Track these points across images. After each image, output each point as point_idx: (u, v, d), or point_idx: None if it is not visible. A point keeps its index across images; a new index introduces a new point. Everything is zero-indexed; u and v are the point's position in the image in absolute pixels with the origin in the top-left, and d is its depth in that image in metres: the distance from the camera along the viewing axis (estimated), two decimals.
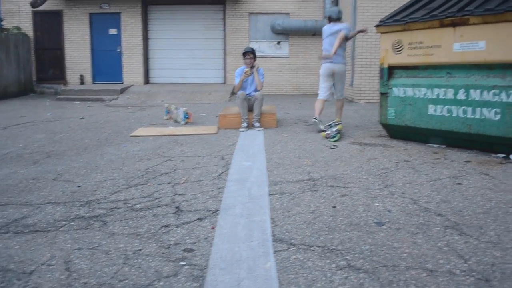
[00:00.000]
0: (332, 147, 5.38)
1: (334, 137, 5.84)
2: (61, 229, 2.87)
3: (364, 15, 10.61)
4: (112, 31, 14.46)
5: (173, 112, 7.71)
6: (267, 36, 14.29)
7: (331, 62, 6.43)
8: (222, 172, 4.22)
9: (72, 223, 2.96)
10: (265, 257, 2.40)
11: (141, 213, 3.13)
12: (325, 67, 6.54)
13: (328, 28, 6.62)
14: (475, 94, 4.77)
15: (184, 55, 14.57)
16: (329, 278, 2.17)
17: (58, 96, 12.89)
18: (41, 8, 13.86)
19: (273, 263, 2.33)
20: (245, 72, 6.78)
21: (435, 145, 5.28)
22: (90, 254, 2.49)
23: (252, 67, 6.87)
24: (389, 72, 5.59)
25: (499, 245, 2.54)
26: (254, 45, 13.95)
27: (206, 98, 12.05)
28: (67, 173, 4.27)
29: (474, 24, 4.72)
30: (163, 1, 14.27)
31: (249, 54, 6.85)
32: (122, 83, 14.35)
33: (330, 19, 6.62)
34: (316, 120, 6.46)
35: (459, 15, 4.82)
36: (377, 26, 5.72)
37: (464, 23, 4.79)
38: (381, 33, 5.67)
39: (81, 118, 8.45)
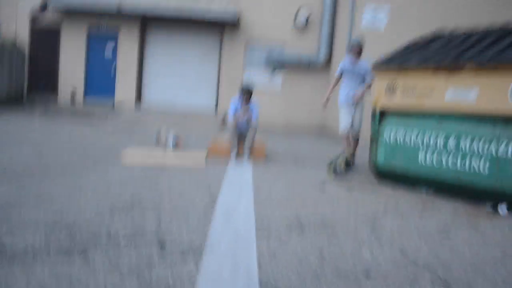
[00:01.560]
0: (321, 187, 5.35)
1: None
2: (39, 258, 2.76)
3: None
4: (109, 49, 14.52)
5: (163, 135, 7.65)
6: (262, 67, 14.45)
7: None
8: (209, 206, 4.14)
9: (51, 252, 2.86)
10: None
11: (123, 244, 3.03)
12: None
13: (348, 64, 6.73)
14: (464, 144, 4.81)
15: (178, 79, 14.65)
16: None
17: (48, 110, 12.79)
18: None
19: None
20: (241, 113, 6.83)
21: (424, 192, 5.27)
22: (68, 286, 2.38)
23: (248, 103, 6.90)
24: (381, 115, 5.63)
25: None
26: (247, 75, 14.10)
27: (197, 124, 12.04)
28: (49, 195, 4.15)
29: (466, 74, 4.79)
30: (162, 25, 14.41)
31: (247, 93, 6.87)
32: (114, 99, 14.32)
33: (353, 50, 6.67)
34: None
35: (453, 64, 4.90)
36: (373, 66, 5.80)
37: (457, 72, 4.87)
38: (377, 73, 5.74)
39: (69, 135, 8.35)
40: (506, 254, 3.36)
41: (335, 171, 6.11)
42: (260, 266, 2.82)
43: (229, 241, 3.24)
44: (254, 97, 7.11)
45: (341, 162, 6.25)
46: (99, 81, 14.44)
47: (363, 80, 6.59)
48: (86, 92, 14.44)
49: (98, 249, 2.94)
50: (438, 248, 3.41)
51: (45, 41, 14.40)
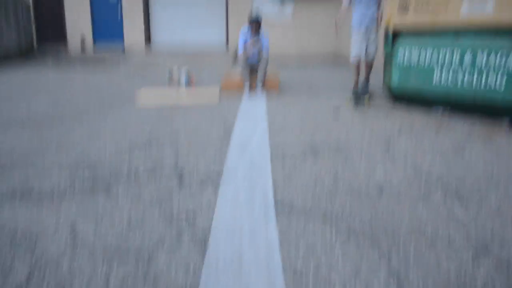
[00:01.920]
0: (335, 110, 5.35)
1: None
2: (65, 195, 2.89)
3: None
4: None
5: (176, 74, 7.64)
6: None
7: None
8: (225, 138, 4.22)
9: (76, 189, 2.99)
10: (266, 222, 2.43)
11: (145, 178, 3.15)
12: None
13: None
14: (481, 57, 4.69)
15: (186, 15, 14.34)
16: (329, 242, 2.20)
17: (60, 59, 12.78)
18: None
19: (274, 226, 2.36)
20: (250, 46, 6.67)
21: (439, 111, 5.24)
22: (95, 220, 2.52)
23: (257, 34, 6.75)
24: (394, 33, 5.48)
25: (499, 213, 2.56)
26: (257, 5, 13.70)
27: (209, 61, 11.92)
28: (70, 138, 4.27)
29: None
30: None
31: (256, 23, 6.68)
32: (123, 43, 14.19)
33: None
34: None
35: None
36: None
37: None
38: None
39: (83, 81, 8.40)
40: None
41: (356, 104, 5.91)
42: (276, 189, 2.92)
43: (245, 169, 3.33)
44: (263, 28, 6.95)
45: (366, 100, 5.99)
46: (107, 26, 14.24)
47: (376, 1, 6.12)
48: (95, 38, 14.32)
49: (120, 184, 3.06)
50: (452, 164, 3.44)
51: None
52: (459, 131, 4.41)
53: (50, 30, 14.44)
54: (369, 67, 6.36)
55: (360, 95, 6.07)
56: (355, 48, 6.23)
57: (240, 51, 6.76)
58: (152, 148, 3.89)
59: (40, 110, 5.60)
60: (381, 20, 6.16)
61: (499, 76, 4.57)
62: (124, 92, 6.98)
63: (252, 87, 6.76)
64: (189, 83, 7.37)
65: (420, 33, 5.22)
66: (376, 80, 6.65)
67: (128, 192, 2.91)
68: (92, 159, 3.58)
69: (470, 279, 1.91)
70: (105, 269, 2.01)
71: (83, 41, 14.18)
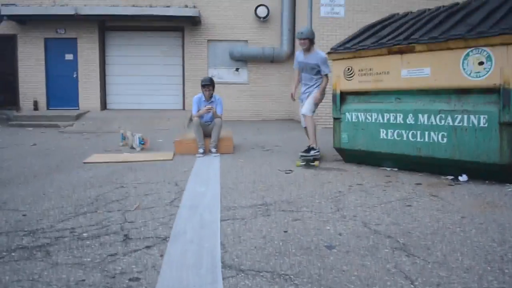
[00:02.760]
0: (287, 171, 5.41)
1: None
2: (0, 260, 2.71)
3: (320, 43, 10.91)
4: (68, 57, 14.21)
5: (129, 138, 7.58)
6: (226, 62, 14.43)
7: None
8: (175, 198, 4.15)
9: (13, 254, 2.81)
10: (212, 284, 2.35)
11: (88, 242, 3.02)
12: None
13: (301, 57, 6.16)
14: (423, 119, 4.95)
15: (142, 81, 14.49)
16: None
17: (10, 122, 12.45)
18: None
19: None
20: (205, 109, 6.79)
21: (387, 169, 5.41)
22: (29, 286, 2.36)
23: (210, 97, 6.90)
24: (342, 97, 5.73)
25: (445, 265, 2.60)
26: (212, 72, 14.06)
27: (164, 124, 11.93)
28: (12, 202, 4.08)
29: (419, 51, 4.93)
30: (121, 27, 14.18)
31: (209, 86, 6.84)
32: (78, 109, 14.04)
33: (300, 43, 6.06)
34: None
35: (406, 43, 5.04)
36: (328, 53, 5.88)
37: (411, 50, 5.00)
38: (333, 60, 5.83)
39: (32, 145, 8.17)
40: (464, 218, 3.48)
41: (306, 163, 5.79)
42: (224, 248, 2.86)
43: (195, 228, 3.26)
44: (218, 89, 7.10)
45: (315, 161, 5.85)
46: (62, 91, 14.12)
47: (318, 72, 6.03)
48: (49, 104, 14.12)
49: (61, 247, 2.91)
50: (399, 217, 3.51)
51: (1, 48, 13.98)
52: (407, 186, 4.54)
53: (2, 96, 14.13)
54: (305, 128, 6.31)
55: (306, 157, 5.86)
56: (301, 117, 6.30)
57: (194, 116, 6.84)
58: (99, 211, 3.76)
59: None
60: (320, 98, 6.11)
61: (439, 135, 4.81)
62: (74, 156, 6.82)
63: (206, 150, 6.78)
64: (143, 146, 7.31)
65: (366, 95, 5.49)
66: (329, 140, 6.84)
67: (69, 256, 2.76)
68: (33, 225, 3.41)
69: None
70: None
71: (35, 106, 13.93)
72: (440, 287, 2.31)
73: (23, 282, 2.41)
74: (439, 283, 2.36)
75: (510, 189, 4.32)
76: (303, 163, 5.81)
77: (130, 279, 2.43)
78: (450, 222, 3.40)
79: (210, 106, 6.79)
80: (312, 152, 5.87)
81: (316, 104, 6.15)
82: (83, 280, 2.43)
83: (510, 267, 2.54)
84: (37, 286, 2.36)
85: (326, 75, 6.04)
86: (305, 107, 6.12)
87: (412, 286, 2.33)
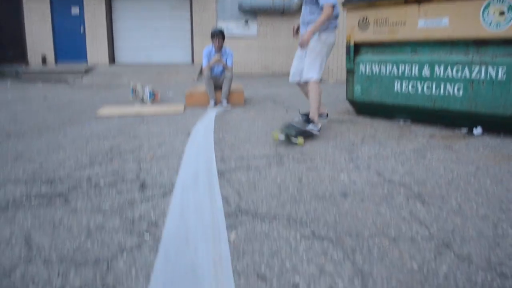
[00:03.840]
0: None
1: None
2: (21, 207, 2.77)
3: None
4: (75, 11, 13.99)
5: (139, 91, 7.56)
6: (235, 15, 14.14)
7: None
8: (188, 148, 4.16)
9: (33, 201, 2.87)
10: (227, 228, 2.39)
11: (105, 190, 3.06)
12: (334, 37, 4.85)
13: None
14: (439, 70, 4.85)
15: (150, 35, 14.29)
16: (294, 247, 2.17)
17: (20, 77, 12.44)
18: None
19: (224, 238, 2.32)
20: (214, 59, 6.68)
21: (401, 121, 5.37)
22: (51, 230, 2.41)
23: (220, 49, 6.79)
24: (356, 49, 5.61)
25: (460, 213, 2.61)
26: (221, 24, 13.79)
27: (173, 78, 11.86)
28: (28, 153, 4.12)
29: (438, 0, 4.77)
30: None
31: (218, 37, 6.71)
32: (86, 63, 13.96)
33: None
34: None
35: None
36: (343, 3, 5.71)
37: (429, 0, 4.84)
38: (348, 10, 5.66)
39: (43, 99, 8.18)
40: (479, 169, 3.47)
41: (286, 138, 4.35)
42: (240, 196, 2.88)
43: (207, 178, 3.28)
44: (226, 43, 6.98)
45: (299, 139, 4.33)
46: (69, 45, 13.99)
47: (317, 9, 4.59)
48: (57, 59, 14.03)
49: (79, 197, 2.96)
50: (414, 168, 3.50)
51: (6, 7, 13.79)
52: (420, 138, 4.51)
53: (10, 51, 14.05)
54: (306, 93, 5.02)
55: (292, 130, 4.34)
56: (292, 68, 5.08)
57: (205, 68, 6.77)
58: (114, 161, 3.79)
59: None
60: (307, 40, 4.59)
61: (456, 87, 4.73)
62: (85, 109, 6.83)
63: (217, 102, 6.75)
64: (153, 100, 7.29)
65: (381, 46, 5.37)
66: (341, 93, 6.78)
67: (88, 203, 2.81)
68: (50, 173, 3.46)
69: (433, 275, 1.92)
70: (60, 280, 1.91)
71: (44, 60, 13.86)
72: (455, 233, 2.33)
73: (45, 227, 2.47)
74: (454, 230, 2.37)
75: None
76: (283, 138, 4.32)
77: (148, 224, 2.48)
78: (464, 172, 3.39)
79: (219, 56, 6.70)
80: (310, 126, 4.54)
81: (319, 62, 4.68)
82: (103, 225, 2.48)
83: None
84: (59, 230, 2.41)
85: (330, 6, 4.46)
86: (308, 68, 4.67)
87: (427, 231, 2.35)
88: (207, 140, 4.39)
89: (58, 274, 1.95)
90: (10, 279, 1.91)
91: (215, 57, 6.67)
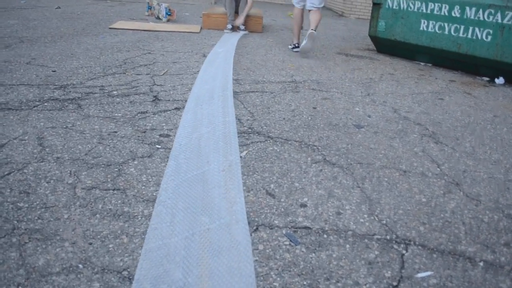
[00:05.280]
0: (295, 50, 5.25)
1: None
2: (34, 108, 2.77)
3: None
4: None
5: (155, 8, 7.33)
6: None
7: None
8: (203, 69, 4.09)
9: (46, 104, 2.86)
10: (240, 146, 2.38)
11: (118, 99, 3.04)
12: None
13: None
14: (470, 12, 4.63)
15: None
16: (304, 170, 2.18)
17: None
18: None
19: (247, 151, 2.32)
20: None
21: (421, 63, 5.22)
22: (64, 133, 2.42)
23: None
24: None
25: (473, 155, 2.58)
26: None
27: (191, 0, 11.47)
28: (41, 58, 4.07)
29: None
30: None
31: None
32: None
33: None
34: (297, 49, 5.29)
35: None
36: None
37: None
38: None
39: (56, 8, 7.97)
40: (497, 116, 3.40)
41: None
42: (253, 117, 2.86)
43: (223, 99, 3.24)
44: None
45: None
46: None
47: None
48: None
49: (92, 102, 2.95)
50: (430, 108, 3.44)
51: None
52: (440, 81, 4.40)
53: None
54: (316, 15, 5.04)
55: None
56: None
57: None
58: (127, 73, 3.74)
59: (8, 31, 5.30)
60: None
61: (485, 31, 4.53)
62: (99, 21, 6.67)
63: (234, 26, 6.56)
64: (169, 18, 7.09)
65: None
66: (362, 30, 6.55)
67: (100, 110, 2.80)
68: (63, 80, 3.42)
69: (440, 210, 1.92)
70: (72, 179, 1.93)
71: None
72: (466, 174, 2.32)
73: (57, 129, 2.47)
74: (465, 170, 2.36)
75: None
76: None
77: (160, 135, 2.48)
78: (481, 118, 3.33)
79: None
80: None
81: None
82: (115, 132, 2.48)
83: None
84: (71, 133, 2.42)
85: None
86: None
87: (438, 169, 2.34)
88: (226, 61, 4.29)
89: (70, 174, 1.98)
90: (23, 174, 1.94)
91: None
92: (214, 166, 2.06)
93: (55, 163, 2.06)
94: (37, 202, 1.73)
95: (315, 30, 4.87)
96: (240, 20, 6.40)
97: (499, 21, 4.42)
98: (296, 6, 5.24)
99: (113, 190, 1.86)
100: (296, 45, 5.36)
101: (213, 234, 1.58)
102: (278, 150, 2.38)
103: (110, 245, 1.50)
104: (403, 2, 5.17)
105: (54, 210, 1.69)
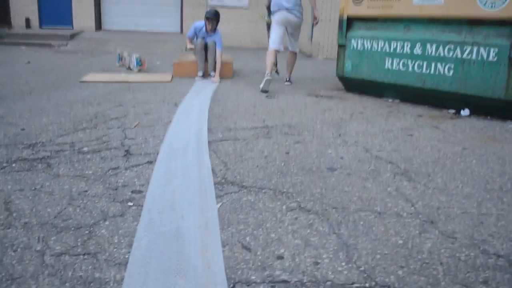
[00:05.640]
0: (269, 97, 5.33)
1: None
2: (1, 170, 2.70)
3: None
4: None
5: (126, 59, 7.39)
6: None
7: (288, 10, 5.84)
8: (174, 118, 4.10)
9: (13, 165, 2.80)
10: (211, 197, 2.36)
11: (88, 156, 3.00)
12: (280, 15, 5.89)
13: None
14: (431, 49, 4.81)
15: (139, 1, 13.92)
16: (279, 219, 2.16)
17: (2, 40, 12.06)
18: None
19: (215, 203, 2.29)
20: (188, 45, 6.63)
21: (390, 100, 5.35)
22: (32, 195, 2.36)
23: (212, 31, 6.59)
24: (348, 23, 5.53)
25: (445, 191, 2.62)
26: None
27: (161, 47, 11.63)
28: (9, 116, 4.01)
29: None
30: None
31: (213, 20, 6.49)
32: (72, 28, 13.58)
33: None
34: (269, 78, 5.73)
35: None
36: None
37: None
38: None
39: (27, 63, 7.95)
40: (465, 149, 3.48)
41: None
42: (227, 166, 2.85)
43: (193, 148, 3.23)
44: (218, 26, 6.73)
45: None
46: (55, 9, 13.55)
47: None
48: (42, 23, 13.61)
49: (62, 160, 2.89)
50: (401, 145, 3.50)
51: None
52: (408, 117, 4.51)
53: None
54: (292, 57, 6.43)
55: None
56: (273, 37, 6.06)
57: (188, 36, 6.64)
58: (98, 128, 3.72)
59: None
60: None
61: (446, 66, 4.71)
62: (70, 74, 6.67)
63: (205, 73, 6.64)
64: (140, 68, 7.14)
65: (373, 22, 5.30)
66: (330, 69, 6.71)
67: (70, 169, 2.75)
68: (32, 139, 3.37)
69: (417, 251, 1.92)
70: (41, 245, 1.86)
71: (28, 24, 13.44)
72: (440, 211, 2.34)
73: (26, 191, 2.41)
74: (439, 207, 2.38)
75: (511, 126, 4.30)
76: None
77: (132, 191, 2.44)
78: (451, 152, 3.40)
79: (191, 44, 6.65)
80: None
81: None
82: (86, 191, 2.43)
83: (508, 197, 2.56)
84: (40, 195, 2.36)
85: None
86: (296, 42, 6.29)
87: (412, 208, 2.36)
88: (200, 112, 4.30)
89: (38, 240, 1.91)
90: None
91: (188, 45, 6.64)
92: (189, 222, 2.02)
93: (22, 229, 1.99)
94: (3, 274, 1.66)
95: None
96: (216, 78, 6.44)
97: (459, 56, 4.61)
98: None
99: (84, 255, 1.80)
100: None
101: None
102: (252, 200, 2.36)
103: None
104: (366, 43, 5.36)
105: (21, 282, 1.61)
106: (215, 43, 6.52)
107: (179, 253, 1.80)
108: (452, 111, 4.79)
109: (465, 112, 4.71)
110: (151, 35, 13.05)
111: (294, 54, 6.36)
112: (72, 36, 12.49)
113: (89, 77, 6.34)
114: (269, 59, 5.96)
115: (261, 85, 5.65)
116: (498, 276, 1.75)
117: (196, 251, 1.81)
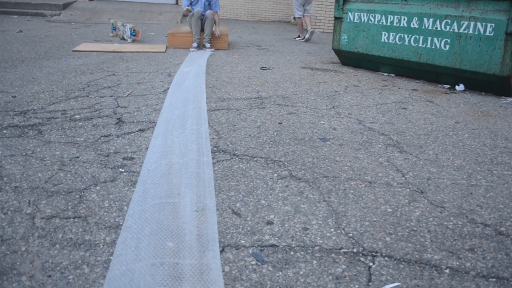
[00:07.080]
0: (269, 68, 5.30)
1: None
2: None
3: None
4: None
5: (120, 29, 7.28)
6: None
7: None
8: (168, 88, 4.06)
9: (4, 131, 2.78)
10: (205, 165, 2.36)
11: (80, 123, 2.98)
12: None
13: None
14: (428, 23, 4.77)
15: None
16: (270, 186, 2.17)
17: None
18: None
19: (212, 171, 2.30)
20: (186, 9, 6.43)
21: (385, 74, 5.33)
22: (23, 160, 2.35)
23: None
24: None
25: (436, 162, 2.63)
26: None
27: (156, 18, 11.45)
28: (0, 84, 3.96)
29: None
30: None
31: None
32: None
33: None
34: (312, 29, 8.06)
35: None
36: None
37: None
38: None
39: (18, 32, 7.81)
40: (458, 123, 3.49)
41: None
42: (219, 135, 2.85)
43: (188, 118, 3.22)
44: None
45: None
46: None
47: None
48: None
49: (53, 127, 2.88)
50: (394, 118, 3.50)
51: None
52: (403, 91, 4.50)
53: None
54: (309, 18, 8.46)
55: None
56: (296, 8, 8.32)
57: (184, 5, 6.50)
58: (91, 96, 3.68)
59: None
60: None
61: (443, 41, 4.67)
62: (63, 44, 6.57)
63: (200, 44, 6.56)
64: (134, 38, 7.04)
65: None
66: (327, 40, 6.65)
67: (62, 136, 2.73)
68: (23, 106, 3.34)
69: (406, 219, 1.94)
70: (31, 209, 1.87)
71: None
72: (430, 181, 2.35)
73: (17, 157, 2.40)
74: (429, 178, 2.40)
75: (505, 101, 4.30)
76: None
77: (124, 158, 2.43)
78: (443, 125, 3.41)
79: (189, 9, 6.46)
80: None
81: None
82: (77, 157, 2.42)
83: (498, 169, 2.58)
84: (31, 161, 2.35)
85: None
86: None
87: (403, 178, 2.37)
88: (197, 85, 4.25)
89: (29, 203, 1.91)
90: None
91: (185, 8, 6.44)
92: (185, 201, 2.00)
93: (13, 193, 1.99)
94: None
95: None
96: (217, 32, 6.42)
97: (456, 30, 4.57)
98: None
99: (74, 218, 1.80)
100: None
101: (181, 259, 1.55)
102: (244, 167, 2.36)
103: (70, 277, 1.45)
104: (363, 16, 5.30)
105: (11, 243, 1.62)
106: (213, 14, 6.43)
107: (174, 218, 1.81)
108: (447, 86, 4.78)
109: (460, 87, 4.70)
110: (146, 6, 12.83)
111: (309, 17, 8.42)
112: (65, 6, 12.25)
113: (82, 46, 6.25)
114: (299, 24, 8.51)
115: (307, 36, 8.06)
116: (484, 244, 1.78)
117: (192, 231, 1.81)
